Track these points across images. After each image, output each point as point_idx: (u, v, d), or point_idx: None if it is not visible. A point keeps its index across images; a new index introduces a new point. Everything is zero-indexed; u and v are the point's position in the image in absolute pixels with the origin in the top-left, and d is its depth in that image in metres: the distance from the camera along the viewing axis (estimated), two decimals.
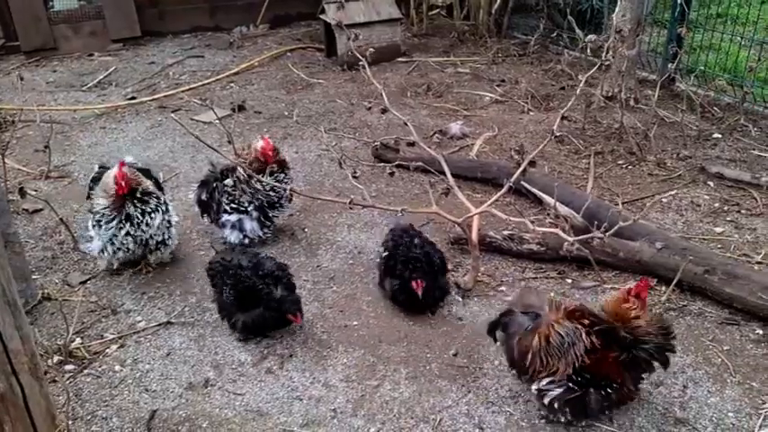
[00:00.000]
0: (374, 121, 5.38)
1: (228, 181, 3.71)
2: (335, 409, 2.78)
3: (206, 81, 6.16)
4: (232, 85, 6.17)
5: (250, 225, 3.72)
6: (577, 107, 5.48)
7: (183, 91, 5.94)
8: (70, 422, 2.74)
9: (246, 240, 3.73)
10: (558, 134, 3.37)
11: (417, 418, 2.73)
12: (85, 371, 3.03)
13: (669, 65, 5.25)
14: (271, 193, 3.68)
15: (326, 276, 3.61)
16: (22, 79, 5.33)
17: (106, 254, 3.50)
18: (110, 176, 3.35)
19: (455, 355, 3.06)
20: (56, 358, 3.08)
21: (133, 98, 5.84)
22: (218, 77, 6.25)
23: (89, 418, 2.78)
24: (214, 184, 3.77)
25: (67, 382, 2.96)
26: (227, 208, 3.71)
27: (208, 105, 4.57)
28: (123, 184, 3.27)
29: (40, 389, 2.18)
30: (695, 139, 5.04)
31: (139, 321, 3.33)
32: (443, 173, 3.70)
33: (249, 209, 3.69)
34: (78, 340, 3.20)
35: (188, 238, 3.97)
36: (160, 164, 4.83)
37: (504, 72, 6.42)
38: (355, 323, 3.26)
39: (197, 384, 2.93)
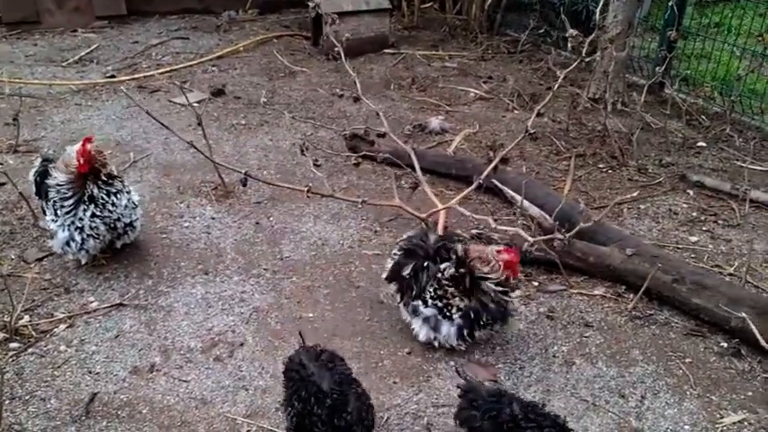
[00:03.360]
0: (353, 111, 5.28)
1: (449, 270, 2.90)
2: (281, 400, 2.70)
3: (188, 63, 6.05)
4: (214, 68, 6.06)
5: (447, 330, 2.93)
6: (563, 108, 5.41)
7: (162, 72, 5.83)
8: (7, 401, 2.66)
9: (436, 343, 2.97)
10: (532, 131, 3.29)
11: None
12: (30, 350, 2.95)
13: (657, 69, 5.18)
14: (491, 305, 2.89)
15: (287, 266, 3.53)
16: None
17: (73, 245, 3.29)
18: (73, 151, 3.23)
19: (409, 353, 2.98)
20: (1, 335, 3.00)
21: (112, 77, 5.73)
22: (201, 60, 6.14)
23: (27, 398, 2.70)
24: (424, 263, 2.95)
25: (10, 360, 2.88)
26: (429, 299, 2.94)
27: (180, 87, 4.49)
28: (83, 161, 3.16)
29: None
30: (679, 146, 4.97)
31: (92, 302, 3.25)
32: (414, 167, 3.63)
33: (455, 315, 2.91)
34: (27, 318, 3.12)
35: (151, 219, 3.87)
36: (132, 144, 4.73)
37: (492, 69, 6.33)
38: (311, 315, 3.18)
39: (142, 369, 2.85)
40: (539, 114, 3.37)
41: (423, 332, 2.96)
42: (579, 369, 2.92)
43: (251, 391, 2.76)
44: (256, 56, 6.38)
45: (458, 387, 2.42)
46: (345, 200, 3.47)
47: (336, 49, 3.77)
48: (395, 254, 3.00)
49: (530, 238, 2.87)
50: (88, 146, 3.23)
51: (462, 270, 2.88)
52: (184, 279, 3.41)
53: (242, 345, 3.00)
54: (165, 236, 3.76)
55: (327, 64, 6.21)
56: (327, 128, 4.94)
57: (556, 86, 3.53)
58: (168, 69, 5.89)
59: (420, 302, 2.95)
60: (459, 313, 2.90)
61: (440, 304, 2.91)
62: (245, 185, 2.93)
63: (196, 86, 5.64)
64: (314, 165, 3.23)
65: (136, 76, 5.75)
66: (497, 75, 6.19)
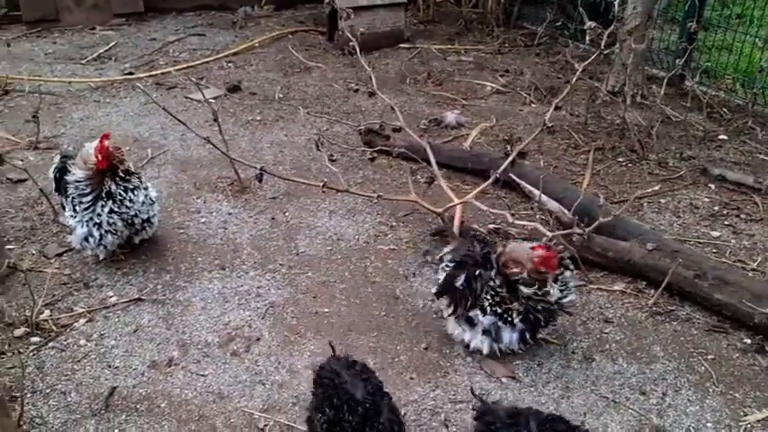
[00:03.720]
0: (368, 106, 5.27)
1: (493, 276, 2.84)
2: (298, 395, 2.71)
3: (204, 60, 6.07)
4: (230, 65, 6.08)
5: (509, 337, 2.86)
6: (582, 101, 5.34)
7: (179, 69, 5.86)
8: (29, 395, 2.70)
9: (498, 353, 2.90)
10: (550, 125, 3.25)
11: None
12: (51, 344, 2.98)
13: (678, 61, 5.08)
14: (548, 305, 2.82)
15: (303, 261, 3.53)
16: (8, 46, 5.26)
17: (92, 241, 3.32)
18: (91, 148, 3.26)
19: (426, 348, 2.97)
20: (22, 330, 3.04)
21: (130, 74, 5.77)
22: (218, 57, 6.16)
23: (48, 391, 2.73)
24: (476, 272, 2.84)
25: (31, 354, 2.92)
26: (488, 307, 2.85)
27: (197, 84, 4.51)
28: (101, 157, 3.18)
29: None
30: (700, 139, 4.88)
31: (111, 296, 3.27)
32: (430, 161, 3.61)
33: (515, 319, 2.84)
34: (47, 312, 3.15)
35: (168, 215, 3.89)
36: (149, 140, 4.76)
37: (508, 62, 6.27)
38: (327, 310, 3.18)
39: (160, 363, 2.87)
40: (557, 108, 3.33)
41: (485, 344, 2.86)
42: (599, 366, 2.89)
43: (267, 386, 2.76)
44: (272, 52, 6.39)
45: (473, 410, 2.37)
46: (361, 195, 3.46)
47: (351, 43, 3.75)
48: (445, 267, 2.91)
49: (548, 233, 2.83)
50: (106, 142, 3.25)
51: (499, 276, 2.81)
52: (201, 274, 3.43)
53: (258, 339, 3.00)
54: (182, 231, 3.78)
55: (342, 59, 6.20)
56: (343, 123, 4.93)
57: (574, 79, 3.48)
58: (185, 66, 5.92)
59: (478, 311, 2.84)
60: (520, 317, 2.80)
61: (499, 310, 2.81)
62: (260, 181, 2.93)
63: (212, 83, 5.66)
64: (329, 160, 3.22)
65: (153, 72, 5.79)
66: (514, 68, 6.13)
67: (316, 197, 4.05)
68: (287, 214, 3.93)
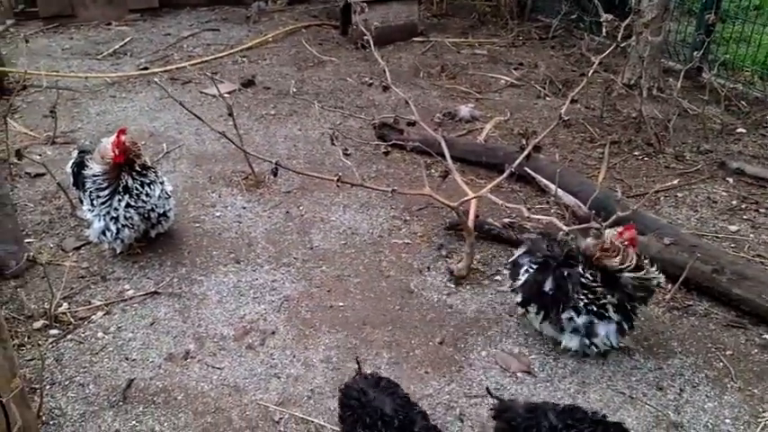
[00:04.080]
0: (382, 100, 5.26)
1: (586, 273, 2.73)
2: (313, 389, 2.72)
3: (219, 55, 6.09)
4: (244, 59, 6.10)
5: (605, 331, 2.76)
6: (597, 94, 5.29)
7: (194, 64, 5.89)
8: (48, 386, 2.73)
9: (593, 350, 2.81)
10: (566, 118, 3.22)
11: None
12: (69, 336, 3.02)
13: (695, 53, 5.01)
14: (647, 289, 2.76)
15: (317, 256, 3.54)
16: (27, 42, 5.31)
17: (109, 235, 3.35)
18: (108, 142, 3.29)
19: (441, 342, 2.96)
20: (41, 322, 3.08)
21: (146, 69, 5.81)
22: (232, 51, 6.18)
23: (67, 383, 2.76)
24: (564, 272, 2.75)
25: (50, 346, 2.96)
26: (582, 306, 2.73)
27: (212, 78, 4.53)
28: (118, 152, 3.21)
29: (4, 351, 2.15)
30: (718, 132, 4.82)
31: (128, 290, 3.31)
32: (444, 155, 3.59)
33: (611, 313, 2.74)
34: (65, 305, 3.19)
35: (184, 209, 3.92)
36: (165, 135, 4.79)
37: (522, 56, 6.22)
38: (341, 304, 3.18)
39: (177, 356, 2.90)
40: (573, 101, 3.29)
41: (573, 342, 2.80)
42: (616, 361, 2.87)
43: (282, 379, 2.77)
44: (285, 46, 6.40)
45: (491, 409, 2.37)
46: (375, 189, 3.45)
47: (366, 37, 3.74)
48: (525, 272, 2.84)
49: (564, 228, 2.81)
50: (123, 137, 3.28)
51: (592, 271, 2.72)
52: (217, 268, 3.45)
53: (273, 333, 3.02)
54: (197, 225, 3.80)
55: (356, 53, 6.19)
56: (356, 117, 4.93)
57: (590, 72, 3.44)
58: (199, 61, 5.94)
59: (572, 312, 2.75)
60: (614, 309, 2.72)
61: (595, 308, 2.72)
62: (275, 175, 2.93)
63: (227, 77, 5.68)
64: (344, 154, 3.21)
65: (168, 67, 5.82)
66: (528, 61, 6.08)
67: (330, 191, 4.06)
68: (301, 208, 3.94)
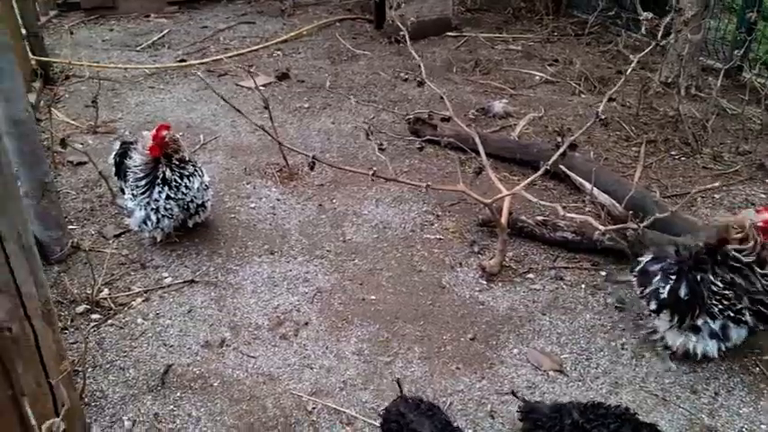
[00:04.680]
0: (415, 95, 5.27)
1: (719, 276, 2.66)
2: (345, 381, 2.76)
3: (254, 47, 6.17)
4: (279, 52, 6.16)
5: (737, 334, 2.73)
6: (633, 92, 5.22)
7: (230, 56, 5.97)
8: (90, 369, 2.83)
9: (718, 353, 2.77)
10: (603, 117, 3.19)
11: (427, 398, 2.68)
12: (109, 321, 3.11)
13: (736, 52, 4.90)
14: None
15: (349, 249, 3.58)
16: (72, 33, 5.44)
17: (149, 224, 3.45)
18: (148, 137, 3.39)
19: (472, 339, 2.98)
20: (83, 307, 3.18)
21: (183, 61, 5.91)
22: (267, 44, 6.25)
23: (108, 366, 2.85)
24: (698, 277, 2.69)
25: (92, 330, 3.06)
26: (717, 311, 2.68)
27: (248, 71, 4.60)
28: (155, 145, 3.30)
29: (53, 334, 2.24)
30: (757, 133, 4.71)
31: (166, 277, 3.39)
32: (478, 151, 3.59)
33: (746, 316, 2.67)
34: (106, 291, 3.29)
35: (220, 200, 4.00)
36: (201, 126, 4.88)
37: (558, 52, 6.16)
38: (373, 297, 3.22)
39: (213, 343, 2.97)
40: (610, 99, 3.26)
41: (711, 347, 2.75)
42: (649, 363, 2.85)
43: (315, 370, 2.82)
44: (319, 40, 6.44)
45: (518, 410, 2.39)
46: (410, 184, 3.47)
47: (402, 33, 3.76)
48: (659, 280, 2.77)
49: (601, 227, 2.80)
50: (163, 132, 3.37)
51: (725, 271, 2.65)
52: (251, 258, 3.51)
53: (306, 324, 3.07)
54: (233, 216, 3.88)
55: (389, 47, 6.20)
56: (389, 111, 4.95)
57: (629, 71, 3.40)
58: (235, 53, 6.02)
59: (706, 318, 2.72)
60: (749, 311, 2.67)
61: (731, 313, 2.68)
62: (312, 169, 2.98)
63: (262, 70, 5.75)
64: (379, 149, 3.25)
65: (205, 60, 5.91)
66: (563, 57, 6.02)
67: (362, 185, 4.09)
68: (334, 201, 3.99)
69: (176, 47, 6.30)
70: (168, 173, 3.39)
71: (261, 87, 5.26)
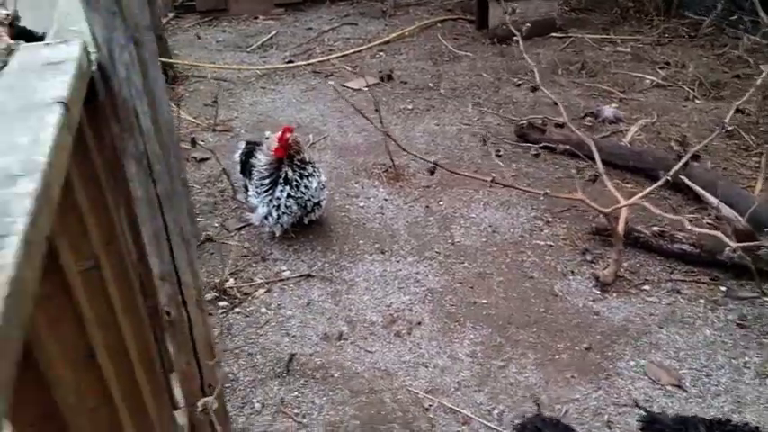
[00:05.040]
0: (520, 97, 5.24)
1: None
2: (460, 381, 2.84)
3: (357, 49, 6.33)
4: (381, 53, 6.30)
5: None
6: (753, 99, 4.95)
7: (335, 57, 6.17)
8: (221, 353, 3.07)
9: None
10: (729, 128, 3.09)
11: (542, 404, 2.72)
12: (236, 309, 3.35)
13: None
14: None
15: (458, 251, 3.65)
16: (198, 38, 5.79)
17: (270, 220, 3.66)
18: (273, 138, 3.60)
19: (587, 348, 2.98)
20: (212, 294, 3.44)
21: (290, 62, 6.17)
22: (369, 46, 6.39)
23: (237, 351, 3.08)
24: None
25: (221, 316, 3.30)
26: None
27: (354, 72, 4.76)
28: (284, 146, 3.50)
29: (203, 320, 2.45)
30: None
31: (284, 271, 3.60)
32: (592, 158, 3.56)
33: None
34: (231, 280, 3.53)
35: (330, 198, 4.17)
36: (311, 126, 5.09)
37: (669, 54, 5.93)
38: (485, 301, 3.28)
39: (331, 336, 3.13)
40: (738, 111, 3.14)
41: None
42: None
43: (430, 369, 2.92)
44: (421, 40, 6.53)
45: (638, 421, 2.37)
46: (528, 191, 3.50)
47: (515, 38, 3.77)
48: None
49: (732, 243, 2.72)
50: (287, 135, 3.58)
51: None
52: (363, 256, 3.66)
53: (419, 324, 3.17)
54: (343, 214, 4.04)
55: (492, 48, 6.19)
56: (494, 114, 4.97)
57: (759, 81, 3.25)
58: (340, 55, 6.22)
59: None
60: None
61: None
62: (432, 174, 3.07)
63: (365, 71, 5.90)
64: (496, 155, 3.29)
65: (311, 61, 6.14)
66: (675, 60, 5.79)
67: (468, 188, 4.15)
68: (441, 204, 4.07)
69: (283, 48, 6.57)
70: (290, 173, 3.59)
71: (365, 88, 5.42)
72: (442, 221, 3.90)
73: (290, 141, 3.56)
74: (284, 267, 3.63)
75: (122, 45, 2.28)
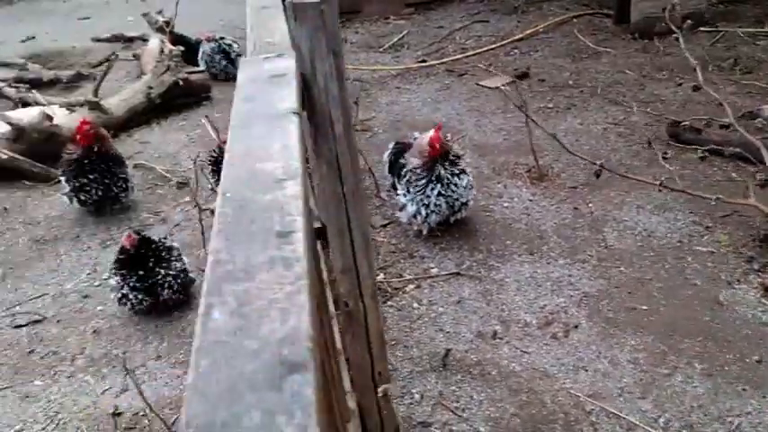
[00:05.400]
0: (668, 96, 5.02)
1: None
2: (622, 387, 2.81)
3: (490, 46, 6.34)
4: (516, 51, 6.26)
5: None
6: None
7: (468, 56, 6.21)
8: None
9: None
10: None
11: (711, 416, 2.63)
12: (389, 303, 3.50)
13: None
14: None
15: (612, 255, 3.58)
16: (346, 41, 6.05)
17: (419, 218, 3.78)
18: (425, 138, 3.72)
19: (758, 361, 2.83)
20: None
21: (423, 61, 6.29)
22: (503, 43, 6.38)
23: (393, 343, 3.23)
24: None
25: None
26: None
27: (488, 70, 4.78)
28: (438, 146, 3.61)
29: (376, 311, 2.60)
30: None
31: (432, 268, 3.71)
32: (762, 161, 3.36)
33: None
34: (381, 275, 3.70)
35: (474, 198, 4.22)
36: (448, 125, 5.17)
37: None
38: (644, 307, 3.20)
39: (485, 334, 3.20)
40: None
41: None
42: None
43: (590, 373, 2.91)
44: (556, 37, 6.41)
45: None
46: (700, 196, 3.36)
47: (675, 35, 3.62)
48: None
49: None
50: (439, 133, 3.68)
51: None
52: (511, 257, 3.69)
53: (576, 327, 3.16)
54: (488, 214, 4.09)
55: (633, 43, 5.96)
56: (641, 112, 4.80)
57: None
58: (473, 53, 6.25)
59: None
60: None
61: None
62: (598, 177, 3.03)
63: (500, 69, 5.90)
64: (662, 158, 3.19)
65: (444, 59, 6.22)
66: None
67: (620, 189, 4.05)
68: (591, 205, 4.00)
69: (415, 47, 6.71)
70: (442, 171, 3.69)
71: (501, 87, 5.43)
72: (593, 224, 3.84)
73: (442, 140, 3.66)
74: (432, 265, 3.74)
75: (323, 56, 2.48)
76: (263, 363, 0.89)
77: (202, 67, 6.51)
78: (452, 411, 2.83)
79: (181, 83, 5.95)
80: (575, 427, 2.68)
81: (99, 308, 3.70)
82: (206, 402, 0.86)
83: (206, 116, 4.92)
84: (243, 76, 2.13)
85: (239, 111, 1.83)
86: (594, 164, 3.01)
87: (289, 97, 1.88)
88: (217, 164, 4.25)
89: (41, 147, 5.24)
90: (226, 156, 1.61)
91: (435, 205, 3.73)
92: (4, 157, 5.10)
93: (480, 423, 2.76)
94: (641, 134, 4.55)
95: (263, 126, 1.70)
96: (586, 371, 2.92)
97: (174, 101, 6.00)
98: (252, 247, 1.14)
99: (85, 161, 4.35)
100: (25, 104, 6.46)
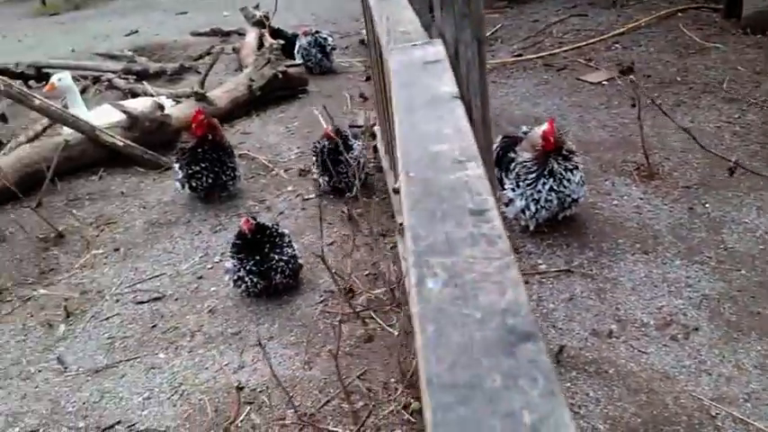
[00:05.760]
0: None
1: None
2: (749, 393, 2.72)
3: (590, 41, 6.20)
4: (617, 45, 6.09)
5: None
6: None
7: (566, 50, 6.10)
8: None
9: None
10: None
11: None
12: None
13: None
14: None
15: (732, 257, 3.45)
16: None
17: (527, 213, 3.76)
18: (537, 132, 3.70)
19: None
20: None
21: (519, 55, 6.22)
22: (603, 37, 6.22)
23: None
24: None
25: None
26: None
27: (587, 64, 4.67)
28: (552, 140, 3.59)
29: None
30: None
31: (541, 264, 3.69)
32: None
33: None
34: None
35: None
36: None
37: None
38: None
39: (600, 332, 3.16)
40: None
41: None
42: None
43: (713, 377, 2.83)
44: (660, 31, 6.19)
45: None
46: None
47: None
48: None
49: None
50: (552, 127, 3.64)
51: None
52: (624, 255, 3.62)
53: (696, 329, 3.07)
54: (597, 212, 4.02)
55: (745, 39, 5.68)
56: (758, 111, 4.58)
57: None
58: (572, 47, 6.14)
59: None
60: None
61: None
62: (732, 174, 2.93)
63: (601, 64, 5.77)
64: None
65: (541, 54, 6.14)
66: None
67: (738, 190, 3.89)
68: (707, 206, 3.87)
69: (510, 41, 6.65)
70: (556, 165, 3.67)
71: (604, 82, 5.31)
72: (710, 224, 3.72)
73: (555, 134, 3.63)
74: (540, 261, 3.72)
75: (468, 43, 2.51)
76: (491, 331, 0.94)
77: (299, 60, 6.70)
78: (569, 408, 2.82)
79: (280, 76, 6.14)
80: (699, 431, 2.63)
81: (213, 288, 3.90)
82: (442, 363, 0.91)
83: (323, 106, 5.05)
84: (396, 63, 2.20)
85: (401, 96, 1.90)
86: (729, 161, 2.91)
87: (448, 82, 1.93)
88: (323, 154, 4.38)
89: (152, 135, 5.57)
90: (398, 138, 1.68)
91: (546, 201, 3.71)
92: (121, 143, 5.44)
93: (598, 421, 2.75)
94: (758, 133, 4.34)
95: (427, 110, 1.76)
96: (709, 374, 2.84)
97: (272, 93, 6.20)
98: (447, 223, 1.20)
99: (198, 150, 4.58)
100: (134, 95, 6.88)
